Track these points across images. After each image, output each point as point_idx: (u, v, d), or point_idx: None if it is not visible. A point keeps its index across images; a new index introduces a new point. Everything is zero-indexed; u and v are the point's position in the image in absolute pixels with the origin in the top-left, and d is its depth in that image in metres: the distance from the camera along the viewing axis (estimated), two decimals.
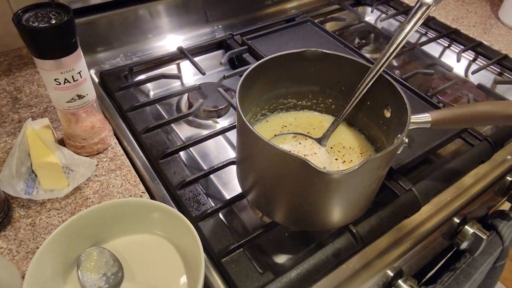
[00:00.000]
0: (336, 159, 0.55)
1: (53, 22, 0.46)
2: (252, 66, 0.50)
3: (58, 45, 0.47)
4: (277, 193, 0.48)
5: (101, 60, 0.79)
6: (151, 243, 0.49)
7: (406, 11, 1.03)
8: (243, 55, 0.84)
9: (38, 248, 0.43)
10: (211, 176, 0.63)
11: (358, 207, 0.50)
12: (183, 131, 0.72)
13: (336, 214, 0.48)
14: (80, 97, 0.53)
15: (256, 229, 0.52)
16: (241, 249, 0.49)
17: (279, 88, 0.58)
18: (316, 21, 0.94)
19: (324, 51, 0.55)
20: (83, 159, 0.56)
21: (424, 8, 0.46)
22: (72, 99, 0.53)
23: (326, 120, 0.61)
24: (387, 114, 0.53)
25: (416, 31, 0.88)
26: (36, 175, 0.55)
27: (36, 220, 0.52)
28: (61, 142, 0.61)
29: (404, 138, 0.45)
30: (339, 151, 0.56)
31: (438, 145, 0.65)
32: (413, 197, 0.57)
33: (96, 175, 0.58)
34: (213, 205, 0.54)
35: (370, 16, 1.08)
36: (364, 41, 0.99)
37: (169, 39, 0.86)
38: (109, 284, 0.45)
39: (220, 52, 0.88)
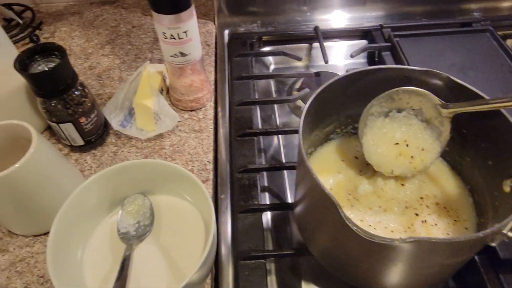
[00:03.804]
0: (417, 215, 0.44)
1: None
2: (338, 77, 0.42)
3: (168, 1, 0.48)
4: (318, 228, 0.41)
5: (239, 22, 0.80)
6: (184, 211, 0.49)
7: None
8: (382, 53, 0.73)
9: None
10: (284, 171, 0.59)
11: (405, 283, 0.39)
12: (283, 115, 0.69)
13: (375, 279, 0.39)
14: (182, 54, 0.55)
15: (288, 247, 0.47)
16: (263, 260, 0.46)
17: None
18: (499, 33, 0.74)
19: (453, 79, 0.42)
20: (170, 111, 0.59)
21: None
22: (175, 54, 0.55)
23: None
24: (507, 189, 0.39)
25: None
26: (134, 112, 0.61)
27: (119, 151, 0.58)
28: (169, 90, 0.66)
29: (508, 232, 0.33)
30: (427, 206, 0.45)
31: None
32: None
33: (180, 130, 0.61)
34: (261, 202, 0.51)
35: None
36: None
37: (318, 16, 0.80)
38: (137, 232, 0.48)
39: (363, 42, 0.79)
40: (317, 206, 0.38)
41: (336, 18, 0.81)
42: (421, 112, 0.45)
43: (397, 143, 0.46)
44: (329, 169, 0.50)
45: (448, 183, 0.47)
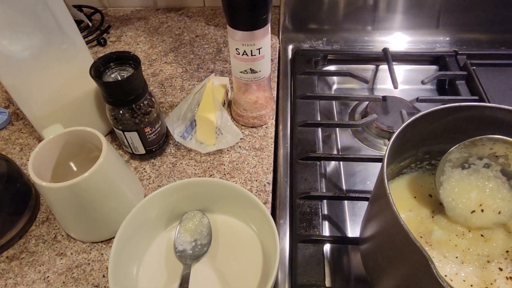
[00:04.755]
0: (501, 270, 0.40)
1: None
2: (431, 110, 0.39)
3: (246, 18, 0.47)
4: (393, 273, 0.38)
5: (303, 38, 0.78)
6: (243, 234, 0.48)
7: None
8: (457, 81, 0.68)
9: (160, 187, 0.48)
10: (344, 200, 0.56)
11: None
12: (344, 138, 0.66)
13: None
14: (252, 71, 0.54)
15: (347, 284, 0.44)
16: None
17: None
18: None
19: None
20: (233, 127, 0.58)
21: None
22: (245, 70, 0.54)
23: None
24: None
25: None
26: (196, 124, 0.60)
27: (178, 163, 0.58)
28: (231, 104, 0.65)
29: None
30: None
31: None
32: None
33: (240, 146, 0.59)
34: (322, 233, 0.49)
35: None
36: None
37: (386, 37, 0.77)
38: (193, 251, 0.46)
39: (432, 67, 0.75)
40: (399, 254, 0.35)
41: (404, 40, 0.78)
42: (507, 158, 0.41)
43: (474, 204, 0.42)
44: (399, 205, 0.46)
45: None
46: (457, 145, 0.42)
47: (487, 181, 0.43)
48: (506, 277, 0.40)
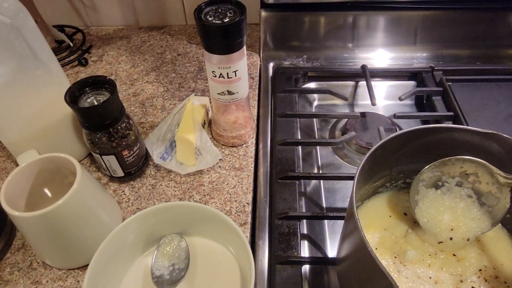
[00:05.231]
0: None
1: (226, 20, 0.47)
2: (401, 132, 0.40)
3: (221, 42, 0.48)
4: None
5: (284, 56, 0.79)
6: (221, 256, 0.48)
7: None
8: (433, 97, 0.69)
9: (139, 210, 0.47)
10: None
11: None
12: (325, 156, 0.67)
13: None
14: (230, 93, 0.54)
15: None
16: None
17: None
18: None
19: None
20: (213, 148, 0.58)
21: None
22: (222, 92, 0.54)
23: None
24: None
25: None
26: (176, 145, 0.60)
27: (157, 184, 0.58)
28: (211, 123, 0.65)
29: None
30: (485, 280, 0.41)
31: None
32: None
33: (220, 166, 0.59)
34: (301, 253, 0.49)
35: None
36: None
37: (366, 54, 0.79)
38: (171, 276, 0.46)
39: (411, 83, 0.76)
40: (368, 277, 0.35)
41: (383, 56, 0.79)
42: (477, 176, 0.42)
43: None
44: (375, 224, 0.47)
45: (508, 254, 0.43)
46: (428, 166, 0.42)
47: (460, 199, 0.44)
48: None
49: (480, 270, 0.42)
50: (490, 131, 0.39)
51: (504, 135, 0.39)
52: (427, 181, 0.44)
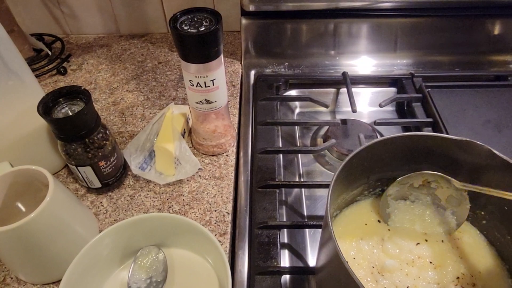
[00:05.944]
0: None
1: (202, 29, 0.47)
2: (376, 140, 0.40)
3: (198, 51, 0.48)
4: None
5: (265, 63, 0.79)
6: (200, 268, 0.47)
7: None
8: (413, 104, 0.70)
9: (117, 221, 0.46)
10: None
11: None
12: (306, 163, 0.66)
13: None
14: (208, 101, 0.54)
15: None
16: None
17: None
18: None
19: (493, 151, 0.39)
20: (192, 157, 0.57)
21: None
22: (200, 101, 0.54)
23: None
24: None
25: None
26: (155, 155, 0.60)
27: (136, 195, 0.57)
28: (191, 132, 0.65)
29: None
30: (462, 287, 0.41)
31: None
32: None
33: (200, 175, 0.59)
34: (281, 263, 0.48)
35: None
36: None
37: (347, 61, 0.79)
38: None
39: (391, 90, 0.77)
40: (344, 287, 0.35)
41: (364, 63, 0.80)
42: (438, 182, 0.43)
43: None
44: (353, 233, 0.46)
45: (486, 261, 0.43)
46: (391, 184, 0.44)
47: (426, 207, 0.45)
48: None
49: (458, 277, 0.42)
50: (464, 139, 0.40)
51: (478, 142, 0.39)
52: (395, 194, 0.45)
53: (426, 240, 0.44)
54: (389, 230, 0.45)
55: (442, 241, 0.44)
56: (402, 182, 0.45)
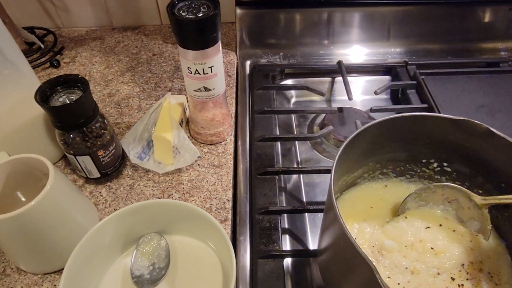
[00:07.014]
0: (453, 279, 0.41)
1: (200, 15, 0.46)
2: (376, 121, 0.40)
3: (195, 38, 0.47)
4: (346, 283, 0.38)
5: (260, 53, 0.79)
6: (202, 254, 0.47)
7: None
8: (408, 91, 0.71)
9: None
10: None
11: None
12: (304, 151, 0.67)
13: None
14: (206, 89, 0.54)
15: None
16: None
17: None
18: None
19: (491, 129, 0.40)
20: (191, 146, 0.57)
21: None
22: (198, 89, 0.54)
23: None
24: None
25: None
26: (153, 144, 0.59)
27: (135, 184, 0.56)
28: (189, 122, 0.65)
29: None
30: (466, 271, 0.41)
31: None
32: None
33: (199, 164, 0.59)
34: (282, 247, 0.49)
35: None
36: None
37: (342, 50, 0.80)
38: (151, 276, 0.45)
39: (386, 78, 0.77)
40: (348, 265, 0.35)
41: (359, 52, 0.80)
42: (458, 202, 0.43)
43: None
44: (354, 215, 0.47)
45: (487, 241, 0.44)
46: (408, 195, 0.44)
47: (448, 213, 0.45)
48: (458, 284, 0.41)
49: (463, 265, 0.42)
50: (462, 118, 0.41)
51: (474, 120, 0.40)
52: (414, 207, 0.46)
53: (440, 225, 0.44)
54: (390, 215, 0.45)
55: (454, 231, 0.44)
56: (420, 198, 0.45)
